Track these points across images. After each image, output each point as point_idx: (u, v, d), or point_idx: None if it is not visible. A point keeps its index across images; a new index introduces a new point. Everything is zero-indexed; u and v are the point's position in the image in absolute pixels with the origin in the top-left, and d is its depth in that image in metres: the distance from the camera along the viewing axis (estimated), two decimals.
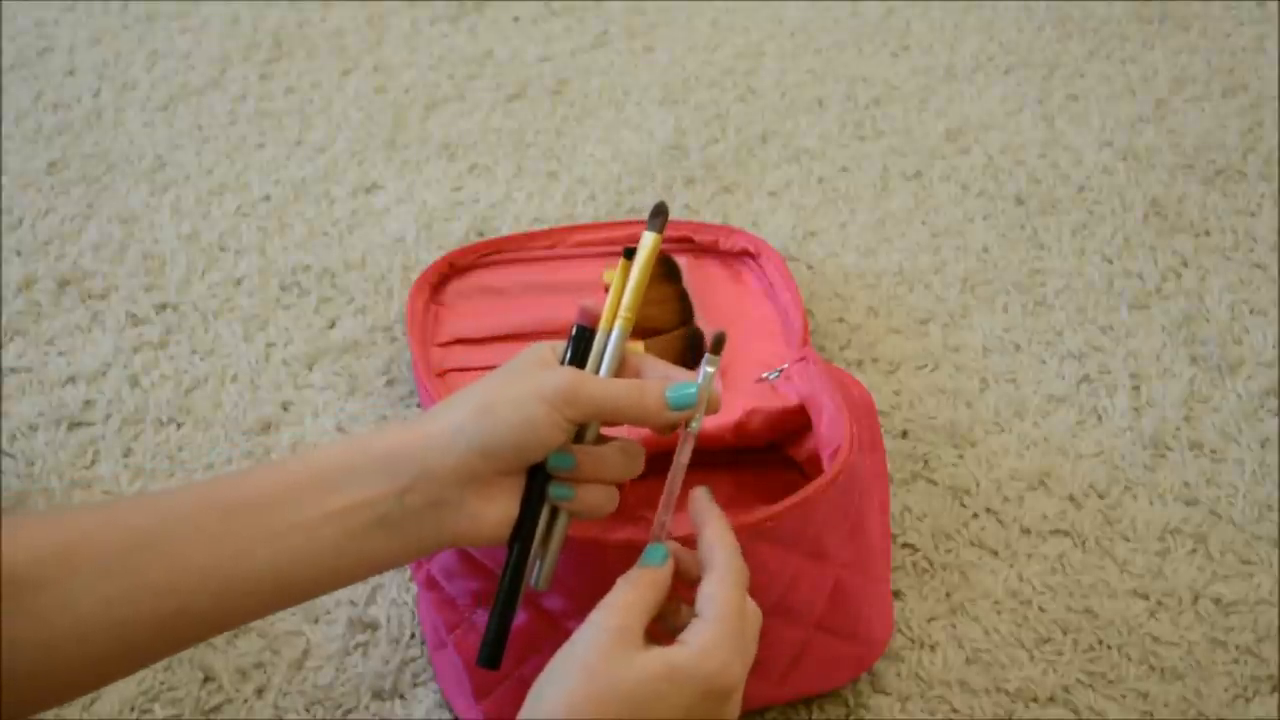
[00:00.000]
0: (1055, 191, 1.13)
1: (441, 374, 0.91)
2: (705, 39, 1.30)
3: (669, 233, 1.01)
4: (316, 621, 0.80)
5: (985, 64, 1.28)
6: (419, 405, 0.92)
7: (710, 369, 0.63)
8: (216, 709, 0.76)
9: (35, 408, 0.92)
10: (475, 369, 0.92)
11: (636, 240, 1.01)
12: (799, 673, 0.74)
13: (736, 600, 0.58)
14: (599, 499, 0.62)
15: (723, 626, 0.57)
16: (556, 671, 0.55)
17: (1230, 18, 1.35)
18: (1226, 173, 1.15)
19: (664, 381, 0.62)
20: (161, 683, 0.76)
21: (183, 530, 0.55)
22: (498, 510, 0.60)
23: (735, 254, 1.01)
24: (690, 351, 0.93)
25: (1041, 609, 0.82)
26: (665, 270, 0.99)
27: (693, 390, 0.61)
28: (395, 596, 0.81)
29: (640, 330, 0.95)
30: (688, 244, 1.02)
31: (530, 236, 1.01)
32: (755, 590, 0.69)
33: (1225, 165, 1.16)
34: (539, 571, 0.63)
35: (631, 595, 0.58)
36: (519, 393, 0.59)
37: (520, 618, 0.70)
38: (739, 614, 0.58)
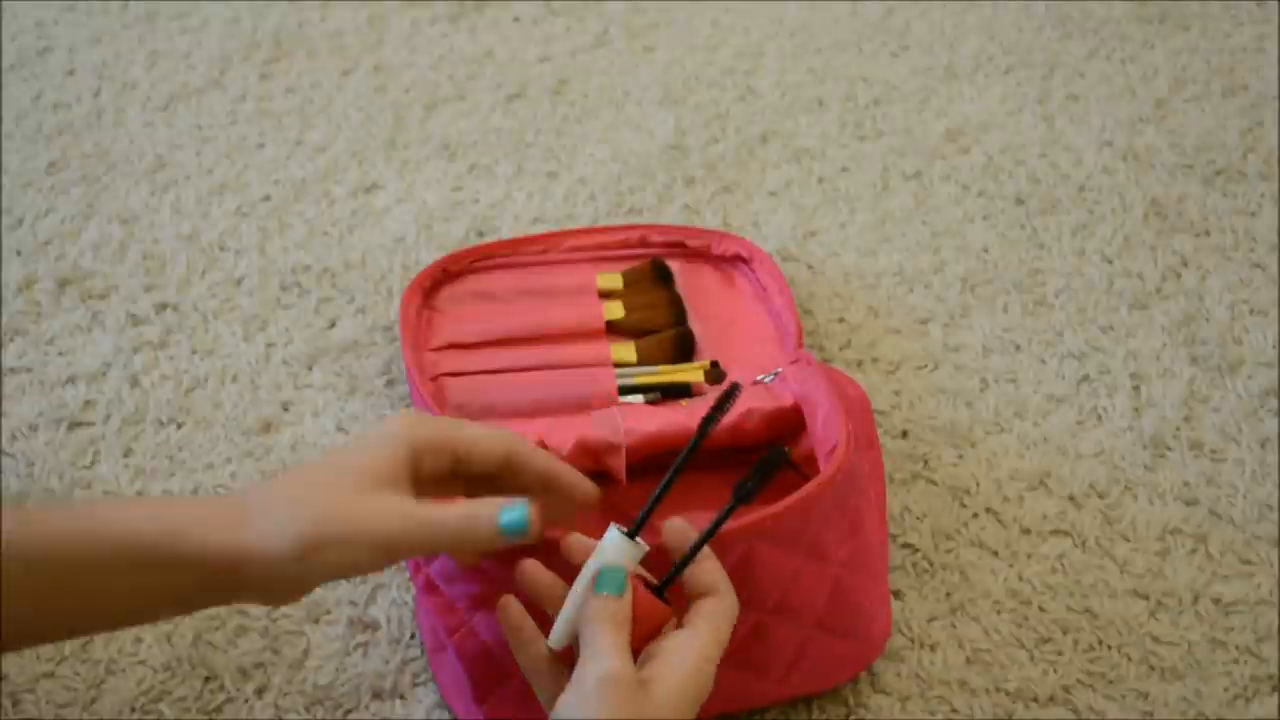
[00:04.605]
0: (1055, 191, 1.13)
1: (435, 378, 0.91)
2: (705, 39, 1.30)
3: (660, 237, 1.01)
4: (317, 622, 0.80)
5: (985, 64, 1.28)
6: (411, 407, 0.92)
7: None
8: (218, 709, 0.76)
9: (35, 408, 0.92)
10: (468, 374, 0.92)
11: (629, 245, 1.01)
12: (799, 672, 0.74)
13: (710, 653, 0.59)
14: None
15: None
16: None
17: (1230, 18, 1.35)
18: (1226, 173, 1.15)
19: (497, 505, 0.60)
20: (163, 682, 0.77)
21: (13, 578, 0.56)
22: (298, 598, 0.61)
23: (728, 259, 1.01)
24: (680, 351, 0.94)
25: (1041, 609, 0.82)
26: (658, 274, 0.99)
27: (522, 516, 0.59)
28: (395, 596, 0.81)
29: (633, 331, 0.95)
30: (680, 249, 1.02)
31: (523, 241, 1.01)
32: (755, 590, 0.70)
33: (1225, 165, 1.16)
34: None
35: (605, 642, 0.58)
36: (347, 531, 0.58)
37: None
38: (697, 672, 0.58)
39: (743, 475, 0.60)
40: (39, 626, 0.58)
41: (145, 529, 0.58)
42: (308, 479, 0.60)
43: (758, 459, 0.60)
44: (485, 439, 0.62)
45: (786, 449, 0.61)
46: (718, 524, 0.61)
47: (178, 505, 0.61)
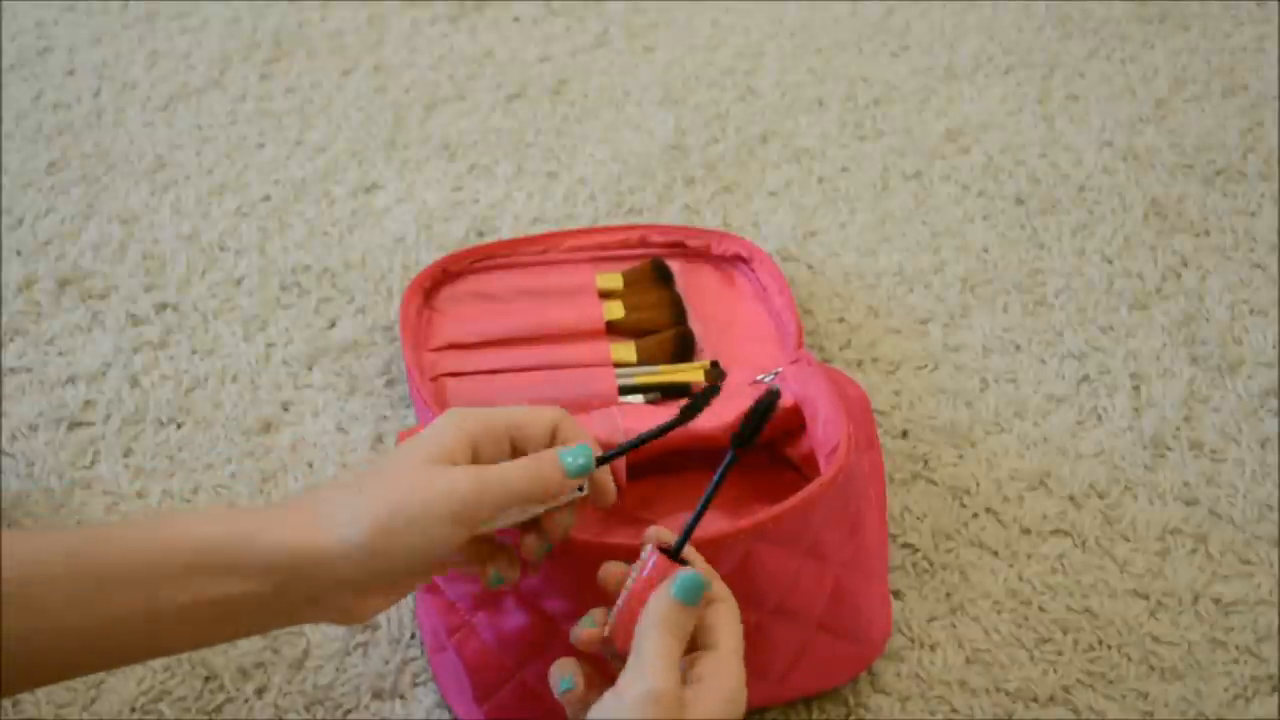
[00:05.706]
0: (1055, 191, 1.13)
1: (435, 379, 0.91)
2: (705, 39, 1.30)
3: (660, 237, 1.01)
4: None
5: (985, 64, 1.28)
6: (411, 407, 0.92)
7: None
8: (218, 709, 0.76)
9: (35, 408, 0.92)
10: (468, 374, 0.92)
11: (629, 245, 1.01)
12: (799, 672, 0.74)
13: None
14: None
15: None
16: None
17: (1230, 18, 1.35)
18: (1226, 173, 1.15)
19: (554, 451, 0.61)
20: (162, 682, 0.77)
21: (50, 591, 0.54)
22: (370, 608, 0.59)
23: (728, 258, 1.01)
24: (681, 351, 0.94)
25: (1041, 609, 0.82)
26: (658, 274, 0.99)
27: (586, 453, 0.60)
28: None
29: (634, 331, 0.95)
30: (680, 249, 1.02)
31: (523, 242, 1.01)
32: (756, 591, 0.70)
33: (1225, 165, 1.16)
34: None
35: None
36: (421, 507, 0.57)
37: (520, 620, 0.70)
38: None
39: (740, 423, 0.60)
40: (108, 645, 0.56)
41: (213, 532, 0.57)
42: (373, 470, 0.60)
43: (752, 404, 0.60)
44: (534, 410, 0.63)
45: (778, 390, 0.61)
46: (721, 478, 0.60)
47: (244, 511, 0.60)
